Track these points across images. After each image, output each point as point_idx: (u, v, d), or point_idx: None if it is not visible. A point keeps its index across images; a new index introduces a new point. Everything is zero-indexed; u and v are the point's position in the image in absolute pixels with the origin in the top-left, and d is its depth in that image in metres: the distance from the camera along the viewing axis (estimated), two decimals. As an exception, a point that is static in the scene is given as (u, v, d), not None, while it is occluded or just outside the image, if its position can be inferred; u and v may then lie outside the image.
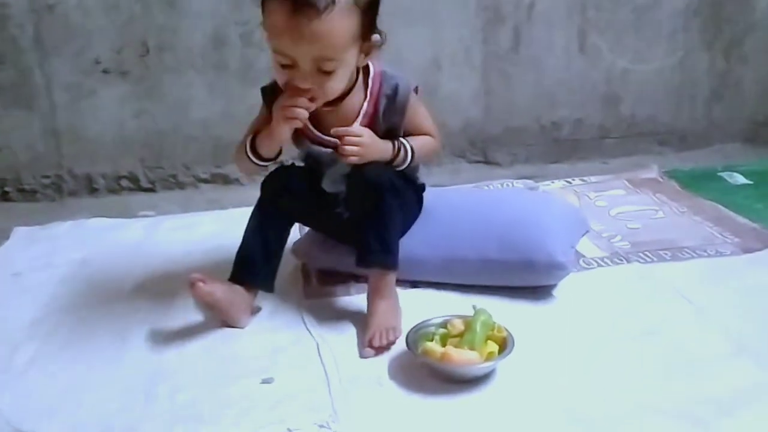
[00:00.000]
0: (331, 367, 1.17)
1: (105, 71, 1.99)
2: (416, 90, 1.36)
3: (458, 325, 1.18)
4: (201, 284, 1.24)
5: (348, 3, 1.17)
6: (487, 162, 2.24)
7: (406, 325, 1.23)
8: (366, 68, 1.32)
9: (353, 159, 1.27)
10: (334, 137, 1.28)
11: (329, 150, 1.32)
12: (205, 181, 2.11)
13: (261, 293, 1.35)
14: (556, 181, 2.00)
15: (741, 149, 2.30)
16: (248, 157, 1.31)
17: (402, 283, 1.36)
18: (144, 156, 2.07)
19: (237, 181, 2.11)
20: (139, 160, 2.07)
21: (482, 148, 2.23)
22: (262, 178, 1.38)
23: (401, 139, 1.34)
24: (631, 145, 2.28)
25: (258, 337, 1.28)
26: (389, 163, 1.32)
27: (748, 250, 1.55)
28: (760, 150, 2.25)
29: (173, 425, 1.06)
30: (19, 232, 1.77)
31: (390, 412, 1.08)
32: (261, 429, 1.04)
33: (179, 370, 1.19)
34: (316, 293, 1.42)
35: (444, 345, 1.16)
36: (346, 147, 1.26)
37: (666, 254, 1.54)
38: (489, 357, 1.13)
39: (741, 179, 1.99)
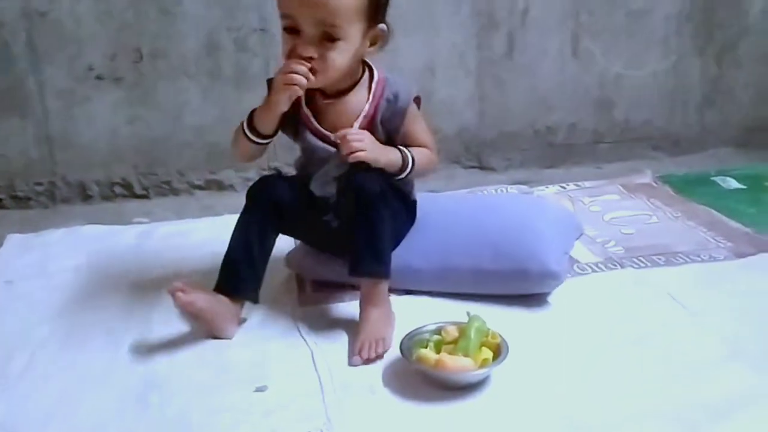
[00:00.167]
0: (325, 375, 1.17)
1: (98, 78, 1.99)
2: (418, 101, 1.37)
3: (452, 332, 1.18)
4: (180, 294, 1.22)
5: None
6: (481, 167, 2.24)
7: (400, 331, 1.23)
8: (371, 72, 1.33)
9: (360, 154, 1.26)
10: (336, 137, 1.28)
11: (327, 146, 1.32)
12: (200, 187, 2.11)
13: (250, 304, 1.34)
14: (550, 186, 2.00)
15: (734, 154, 2.30)
16: (245, 134, 1.30)
17: (396, 289, 1.36)
18: (138, 162, 2.07)
19: (232, 187, 2.11)
20: (132, 166, 2.07)
21: (477, 154, 2.23)
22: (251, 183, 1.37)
23: (401, 147, 1.33)
24: (625, 150, 2.28)
25: (252, 344, 1.27)
26: (395, 172, 1.32)
27: (741, 255, 1.56)
28: (753, 154, 2.26)
29: (166, 434, 1.05)
30: (12, 240, 1.76)
31: (384, 420, 1.07)
32: (255, 437, 1.04)
33: (172, 378, 1.18)
34: (311, 301, 1.42)
35: (438, 352, 1.16)
36: (352, 142, 1.25)
37: (660, 259, 1.54)
38: (483, 364, 1.13)
39: (734, 183, 1.99)
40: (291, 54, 1.24)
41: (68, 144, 2.02)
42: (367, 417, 1.08)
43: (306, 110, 1.33)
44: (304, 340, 1.28)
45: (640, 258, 1.55)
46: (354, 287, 1.36)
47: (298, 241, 1.51)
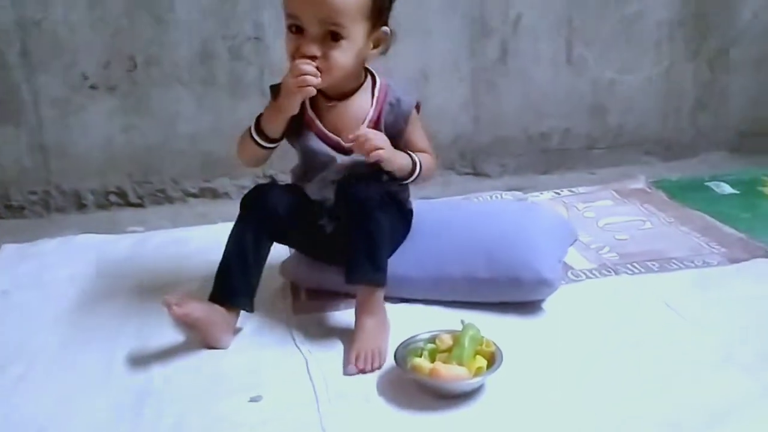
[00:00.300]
0: (320, 384, 1.17)
1: (92, 86, 1.99)
2: (418, 107, 1.38)
3: (447, 340, 1.18)
4: (175, 308, 1.22)
5: None
6: (476, 173, 2.24)
7: (395, 340, 1.23)
8: (373, 78, 1.35)
9: (380, 152, 1.26)
10: (349, 141, 1.28)
11: (329, 149, 1.32)
12: (194, 195, 2.11)
13: (245, 312, 1.34)
14: (545, 192, 2.01)
15: (727, 158, 2.31)
16: (253, 137, 1.30)
17: (390, 297, 1.36)
18: (132, 171, 2.07)
19: (226, 194, 2.11)
20: (127, 175, 2.07)
21: (471, 160, 2.24)
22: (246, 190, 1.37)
23: (409, 152, 1.34)
24: (619, 155, 2.29)
25: (246, 353, 1.27)
26: (404, 176, 1.32)
27: (734, 261, 1.56)
28: (746, 159, 2.27)
29: (162, 445, 1.06)
30: (7, 250, 1.76)
31: (379, 429, 1.08)
32: (250, 448, 1.04)
33: (167, 388, 1.18)
34: (305, 309, 1.42)
35: (433, 360, 1.16)
36: (372, 141, 1.25)
37: (654, 265, 1.55)
38: (478, 372, 1.13)
39: (727, 189, 2.00)
40: (295, 53, 1.24)
41: (63, 153, 2.02)
42: (362, 426, 1.08)
43: (311, 113, 1.33)
44: (299, 348, 1.28)
45: (635, 264, 1.55)
46: (349, 295, 1.36)
47: (293, 250, 1.51)
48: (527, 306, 1.38)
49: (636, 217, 1.82)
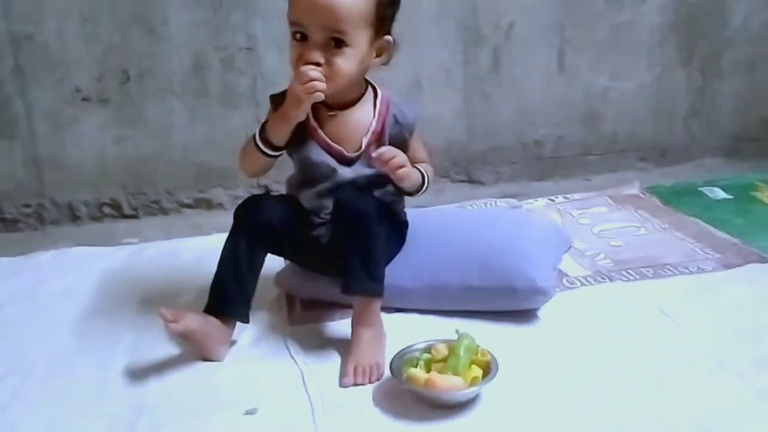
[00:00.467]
0: (316, 396, 1.17)
1: (85, 99, 1.98)
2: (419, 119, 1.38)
3: (442, 350, 1.18)
4: (172, 324, 1.22)
5: None
6: (470, 181, 2.25)
7: (391, 350, 1.23)
8: (374, 89, 1.35)
9: (405, 170, 1.27)
10: (373, 159, 1.28)
11: (330, 159, 1.32)
12: (189, 206, 2.11)
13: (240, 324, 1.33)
14: (539, 199, 2.01)
15: (721, 163, 2.32)
16: (257, 146, 1.30)
17: (386, 307, 1.35)
18: (126, 182, 2.07)
19: (221, 205, 2.10)
20: (121, 186, 2.07)
21: (465, 168, 2.24)
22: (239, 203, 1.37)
23: (417, 166, 1.35)
24: (613, 161, 2.29)
25: (241, 365, 1.27)
26: (413, 190, 1.34)
27: (729, 266, 1.56)
28: (740, 164, 2.27)
29: (157, 459, 1.05)
30: (1, 263, 1.75)
31: (375, 440, 1.08)
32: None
33: (162, 401, 1.18)
34: (301, 320, 1.42)
35: (429, 370, 1.16)
36: (395, 159, 1.26)
37: (648, 272, 1.55)
38: (473, 382, 1.13)
39: (721, 194, 2.00)
40: (299, 60, 1.24)
41: (56, 165, 2.02)
42: (358, 437, 1.08)
43: (313, 122, 1.33)
44: (294, 360, 1.27)
45: (629, 271, 1.56)
46: (344, 306, 1.36)
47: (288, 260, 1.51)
48: (522, 313, 1.38)
49: (630, 224, 1.82)
